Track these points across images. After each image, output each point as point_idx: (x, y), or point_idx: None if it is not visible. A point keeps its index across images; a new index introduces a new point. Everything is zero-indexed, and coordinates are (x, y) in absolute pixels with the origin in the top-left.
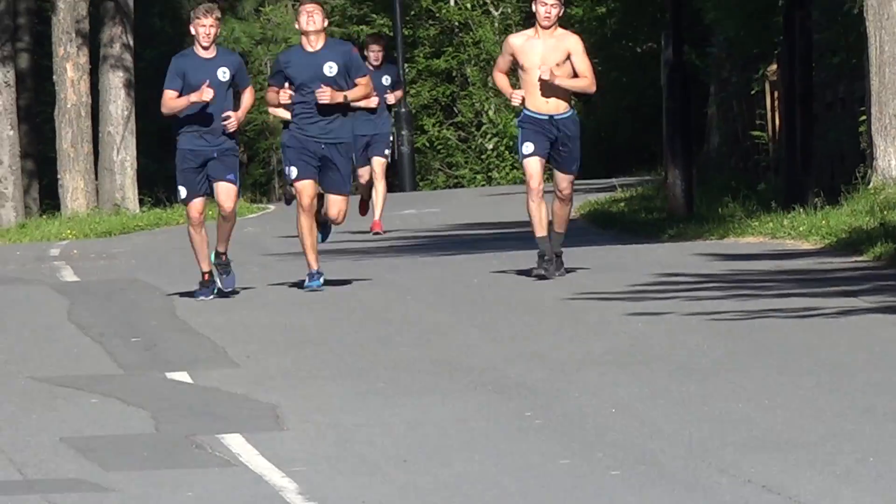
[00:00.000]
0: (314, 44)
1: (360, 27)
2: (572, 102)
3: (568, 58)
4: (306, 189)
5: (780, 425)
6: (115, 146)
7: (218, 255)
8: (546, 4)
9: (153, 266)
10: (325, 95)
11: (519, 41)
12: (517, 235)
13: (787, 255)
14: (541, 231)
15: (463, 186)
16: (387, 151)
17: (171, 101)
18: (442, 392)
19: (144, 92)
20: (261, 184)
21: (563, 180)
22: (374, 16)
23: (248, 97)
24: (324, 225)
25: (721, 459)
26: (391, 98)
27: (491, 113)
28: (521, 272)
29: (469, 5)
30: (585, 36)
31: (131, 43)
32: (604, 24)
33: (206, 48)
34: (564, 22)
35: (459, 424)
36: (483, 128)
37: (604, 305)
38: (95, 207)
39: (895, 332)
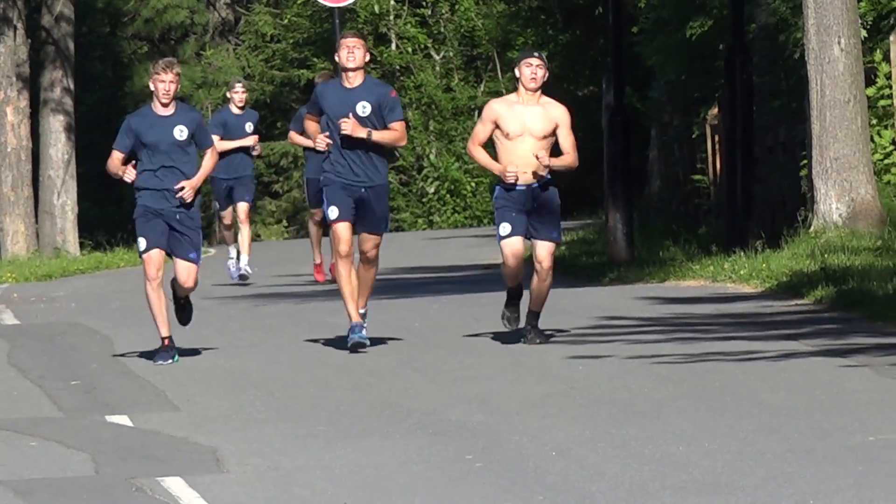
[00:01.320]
0: (352, 80)
1: (301, 71)
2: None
3: (555, 129)
4: (343, 233)
5: (721, 468)
6: (56, 190)
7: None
8: (532, 66)
9: (93, 309)
10: (347, 125)
11: (503, 108)
12: (458, 279)
13: (728, 299)
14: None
15: (404, 230)
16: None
17: (116, 164)
18: (382, 435)
19: (85, 136)
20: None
21: (544, 250)
22: (316, 59)
23: (209, 160)
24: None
25: (661, 502)
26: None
27: (432, 157)
28: (462, 316)
29: (410, 49)
30: None
31: (72, 87)
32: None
33: (165, 105)
34: (504, 64)
35: (400, 467)
36: (424, 171)
37: (544, 349)
38: (36, 251)
39: (835, 376)
